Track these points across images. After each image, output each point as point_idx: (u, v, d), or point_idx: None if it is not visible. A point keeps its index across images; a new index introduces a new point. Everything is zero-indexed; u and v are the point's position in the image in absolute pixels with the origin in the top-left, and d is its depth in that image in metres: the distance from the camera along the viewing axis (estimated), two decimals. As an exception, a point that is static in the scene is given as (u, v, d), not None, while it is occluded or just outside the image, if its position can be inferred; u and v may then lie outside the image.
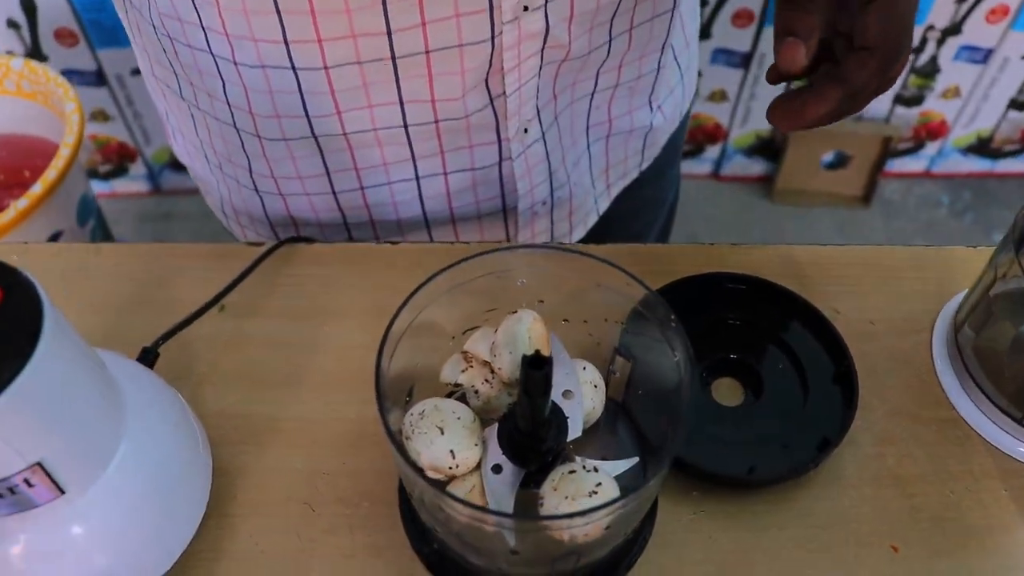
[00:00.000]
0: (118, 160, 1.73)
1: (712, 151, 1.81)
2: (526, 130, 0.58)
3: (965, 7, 1.55)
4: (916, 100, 1.73)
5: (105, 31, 1.47)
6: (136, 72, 1.55)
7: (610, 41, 0.57)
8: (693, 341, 0.39)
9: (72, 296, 0.56)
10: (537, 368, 0.34)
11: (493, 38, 0.50)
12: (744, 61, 1.64)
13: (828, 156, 1.78)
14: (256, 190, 0.62)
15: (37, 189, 0.94)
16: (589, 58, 0.57)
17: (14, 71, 1.09)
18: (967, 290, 0.53)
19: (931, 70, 1.67)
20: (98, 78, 1.55)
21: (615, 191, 0.74)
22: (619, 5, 0.55)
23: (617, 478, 0.40)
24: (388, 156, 0.58)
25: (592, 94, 0.62)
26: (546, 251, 0.43)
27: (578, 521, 0.35)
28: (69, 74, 1.53)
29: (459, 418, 0.40)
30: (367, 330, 0.53)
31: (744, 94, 1.70)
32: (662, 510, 0.47)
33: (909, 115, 1.75)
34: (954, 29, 1.59)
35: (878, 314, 0.56)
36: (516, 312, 0.42)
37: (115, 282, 0.56)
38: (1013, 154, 1.84)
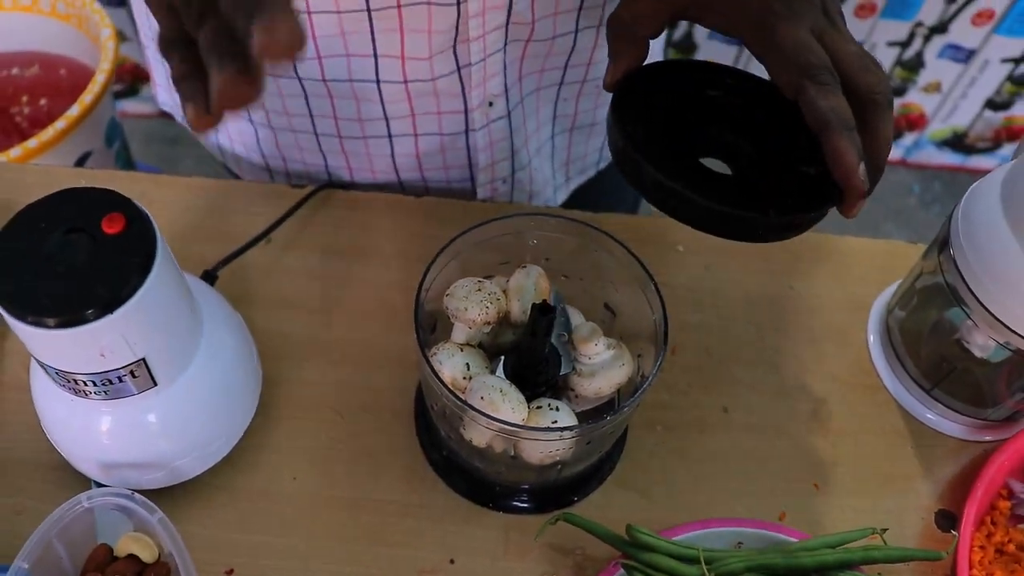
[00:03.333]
0: (131, 80, 1.78)
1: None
2: (491, 104, 0.64)
3: (954, 8, 1.62)
4: (899, 92, 1.81)
5: (132, -44, 1.51)
6: (157, -3, 1.59)
7: (576, 32, 0.62)
8: (678, 119, 0.47)
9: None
10: (544, 314, 0.44)
11: (459, 3, 0.55)
12: (741, 39, 1.70)
13: (811, 137, 1.86)
14: (251, 121, 0.67)
15: (75, 111, 1.01)
16: (554, 44, 0.62)
17: (50, -7, 1.15)
18: (901, 280, 0.63)
19: (916, 64, 1.75)
20: None
21: (573, 185, 0.79)
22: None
23: (599, 409, 0.50)
24: (363, 111, 0.63)
25: (560, 85, 0.67)
26: (557, 219, 0.52)
27: (541, 436, 0.45)
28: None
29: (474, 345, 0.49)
30: (393, 269, 0.63)
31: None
32: (631, 438, 0.57)
33: (891, 105, 1.84)
34: (941, 28, 1.67)
35: (826, 292, 0.65)
36: (525, 267, 0.51)
37: (175, 211, 0.65)
38: (985, 151, 1.94)
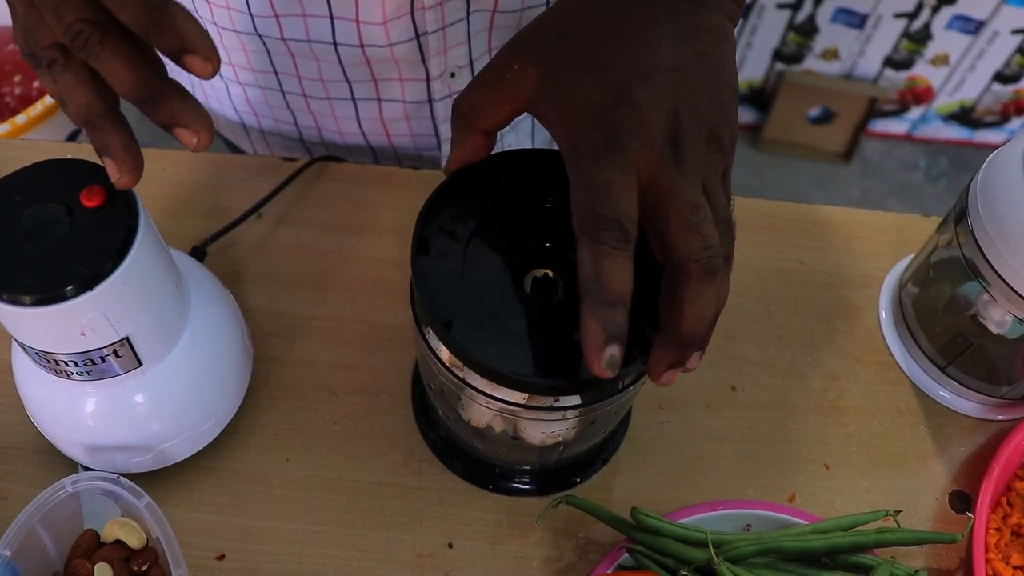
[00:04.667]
0: (125, 56, 1.75)
1: (705, 97, 1.86)
2: (453, 75, 0.62)
3: (962, -22, 1.60)
4: (905, 64, 1.78)
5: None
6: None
7: (547, 3, 0.60)
8: (506, 229, 0.42)
9: (124, 194, 0.62)
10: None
11: None
12: (743, 11, 1.68)
13: (815, 111, 1.84)
14: (222, 76, 0.66)
15: (66, 85, 0.98)
16: (523, 16, 0.60)
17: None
18: (914, 254, 0.61)
19: (923, 36, 1.72)
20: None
21: None
22: None
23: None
24: (325, 73, 0.62)
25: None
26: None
27: (543, 416, 0.41)
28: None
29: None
30: (387, 244, 0.61)
31: (740, 43, 1.74)
32: (635, 418, 0.55)
33: (897, 78, 1.81)
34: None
35: (836, 268, 0.63)
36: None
37: (164, 185, 0.63)
38: (992, 125, 1.91)
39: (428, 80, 0.62)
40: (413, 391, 0.55)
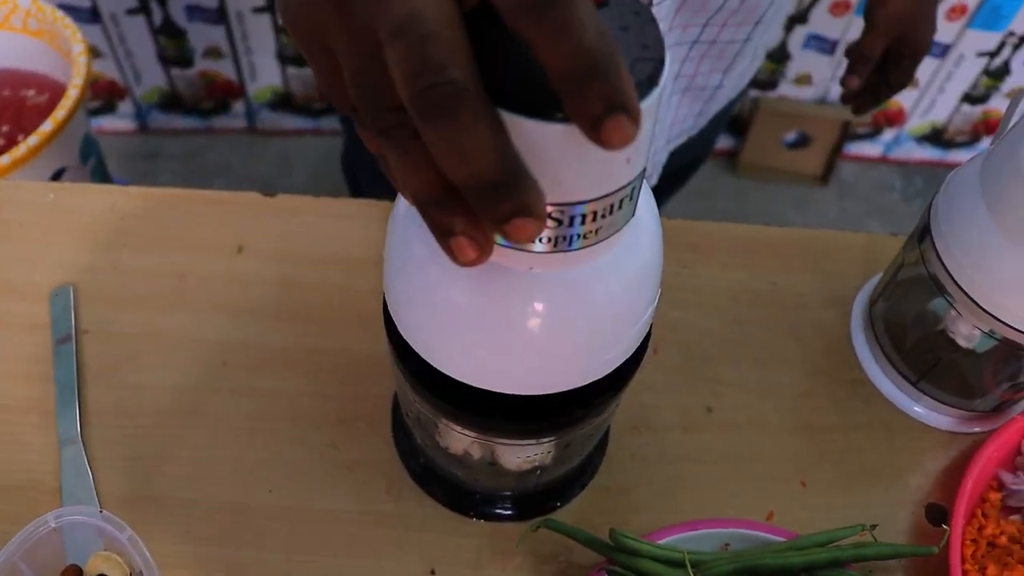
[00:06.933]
0: (107, 97, 1.76)
1: (683, 124, 1.89)
2: None
3: (928, 3, 1.63)
4: (877, 88, 1.82)
5: (103, -30, 1.50)
6: (130, 11, 1.58)
7: None
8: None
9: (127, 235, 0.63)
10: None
11: None
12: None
13: (791, 136, 1.87)
14: None
15: (47, 127, 0.99)
16: (709, 2, 0.61)
17: (21, 8, 1.13)
18: (883, 272, 0.62)
19: (893, 60, 1.76)
20: (93, 15, 1.58)
21: (672, 146, 0.77)
22: None
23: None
24: None
25: (694, 43, 0.66)
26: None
27: (517, 440, 0.42)
28: (64, 10, 1.56)
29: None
30: (366, 276, 0.62)
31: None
32: (613, 441, 0.56)
33: (870, 102, 1.84)
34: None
35: (808, 288, 0.65)
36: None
37: (147, 223, 0.63)
38: (964, 145, 1.94)
39: None
40: (393, 419, 0.55)
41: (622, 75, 0.24)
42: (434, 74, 0.24)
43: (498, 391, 0.36)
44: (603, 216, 0.29)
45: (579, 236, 0.29)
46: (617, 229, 0.31)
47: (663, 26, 0.62)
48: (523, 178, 0.25)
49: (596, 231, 0.30)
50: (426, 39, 0.24)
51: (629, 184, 0.29)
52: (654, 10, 0.59)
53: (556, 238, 0.29)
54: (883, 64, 0.78)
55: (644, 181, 0.32)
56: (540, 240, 0.29)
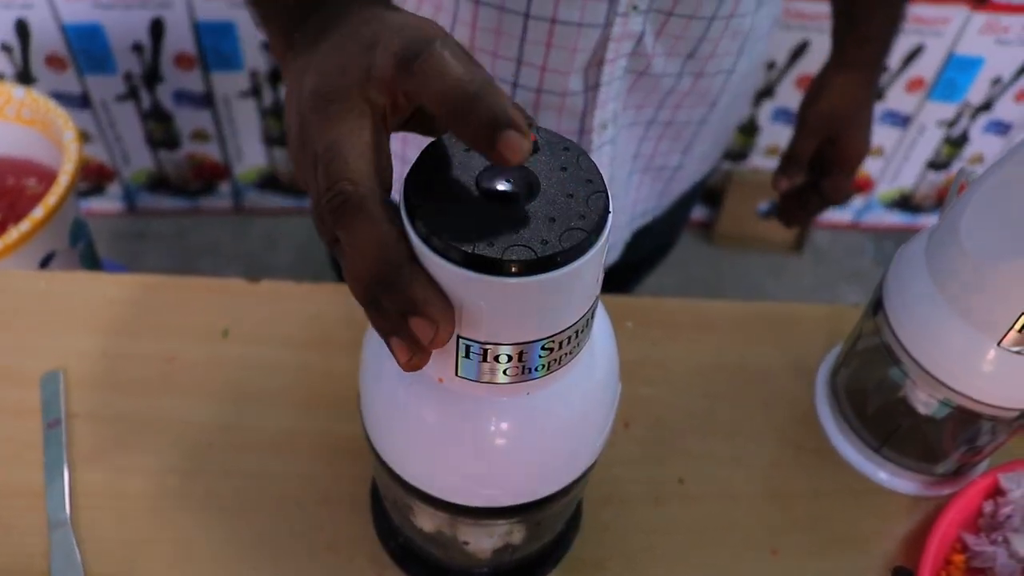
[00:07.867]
0: (96, 179, 1.80)
1: (659, 195, 1.94)
2: (605, 127, 0.66)
3: (887, 77, 1.70)
4: (845, 157, 1.88)
5: (94, 60, 1.55)
6: (119, 98, 1.63)
7: (680, 75, 0.66)
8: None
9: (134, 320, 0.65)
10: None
11: (606, 26, 0.59)
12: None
13: (764, 205, 1.92)
14: None
15: (39, 213, 1.02)
16: (660, 82, 0.65)
17: (15, 99, 1.17)
18: (844, 342, 0.65)
19: (859, 131, 1.82)
20: (83, 101, 1.62)
21: (635, 225, 0.80)
22: (697, 47, 0.64)
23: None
24: None
25: (649, 124, 0.70)
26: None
27: (482, 519, 0.43)
28: (56, 97, 1.61)
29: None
30: (346, 357, 0.64)
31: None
32: (587, 513, 0.57)
33: (839, 170, 1.90)
34: (878, 95, 1.74)
35: (774, 360, 0.67)
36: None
37: (137, 309, 0.66)
38: (931, 210, 2.00)
39: (582, 132, 0.66)
40: (372, 499, 0.57)
41: (500, 98, 0.28)
42: (330, 188, 0.29)
43: (461, 504, 0.39)
44: (560, 347, 0.33)
45: (541, 367, 0.33)
46: (575, 355, 0.34)
47: (616, 105, 0.66)
48: (411, 277, 0.28)
49: (558, 359, 0.34)
50: (332, 161, 0.29)
51: (583, 317, 0.33)
52: (604, 90, 0.63)
53: (520, 369, 0.33)
54: (815, 172, 0.76)
55: (598, 300, 0.35)
56: (505, 373, 0.33)
